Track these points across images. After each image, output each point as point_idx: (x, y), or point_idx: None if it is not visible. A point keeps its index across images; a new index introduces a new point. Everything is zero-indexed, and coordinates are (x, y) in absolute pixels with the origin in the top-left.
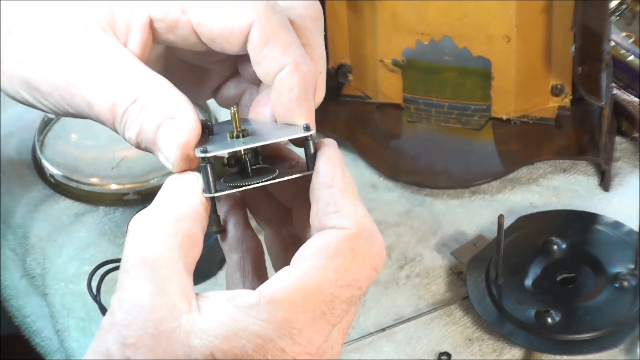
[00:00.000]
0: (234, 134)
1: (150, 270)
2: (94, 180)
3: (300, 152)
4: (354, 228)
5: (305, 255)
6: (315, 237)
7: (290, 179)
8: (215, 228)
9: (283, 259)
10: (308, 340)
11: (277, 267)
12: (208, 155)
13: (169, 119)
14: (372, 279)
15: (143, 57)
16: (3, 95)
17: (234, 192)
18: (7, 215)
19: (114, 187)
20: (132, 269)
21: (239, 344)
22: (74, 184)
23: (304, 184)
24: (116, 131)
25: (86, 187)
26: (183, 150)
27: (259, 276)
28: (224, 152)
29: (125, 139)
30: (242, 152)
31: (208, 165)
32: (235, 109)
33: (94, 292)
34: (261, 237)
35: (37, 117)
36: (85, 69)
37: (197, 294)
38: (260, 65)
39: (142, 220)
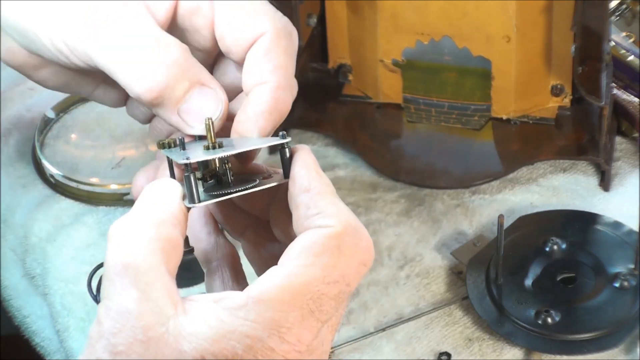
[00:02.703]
0: (209, 146)
1: (134, 276)
2: (94, 180)
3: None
4: (339, 225)
5: (291, 255)
6: (300, 237)
7: (270, 187)
8: (185, 247)
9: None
10: (297, 339)
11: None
12: (192, 161)
13: (201, 85)
14: (361, 275)
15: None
16: (3, 95)
17: (217, 201)
18: (7, 215)
19: (114, 187)
20: (116, 276)
21: (228, 346)
22: (74, 184)
23: (277, 194)
24: (116, 77)
25: (86, 187)
26: (223, 115)
27: (238, 282)
28: (206, 159)
29: (135, 91)
30: (218, 164)
31: (191, 174)
32: (210, 120)
33: (94, 292)
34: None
35: (37, 117)
36: (114, 33)
37: (183, 298)
38: (249, 74)
39: (123, 225)
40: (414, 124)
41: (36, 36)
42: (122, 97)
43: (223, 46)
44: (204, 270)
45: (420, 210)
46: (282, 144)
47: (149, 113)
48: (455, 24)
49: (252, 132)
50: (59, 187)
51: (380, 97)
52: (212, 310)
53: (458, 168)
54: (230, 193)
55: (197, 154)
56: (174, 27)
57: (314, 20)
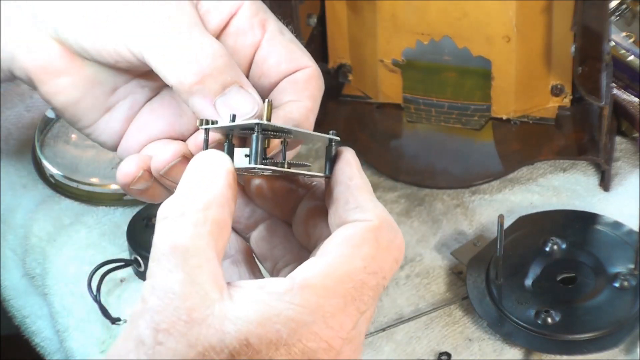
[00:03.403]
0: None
1: (181, 259)
2: (94, 180)
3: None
4: (377, 220)
5: (331, 246)
6: (339, 230)
7: (318, 176)
8: None
9: (282, 264)
10: (340, 325)
11: (275, 272)
12: (264, 122)
13: (239, 85)
14: (394, 270)
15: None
16: (3, 95)
17: (272, 170)
18: (8, 215)
19: (114, 187)
20: (163, 257)
21: (273, 329)
22: (74, 184)
23: (308, 192)
24: (157, 62)
25: (86, 187)
26: (259, 114)
27: (255, 275)
28: (281, 126)
29: (166, 76)
30: (271, 144)
31: (261, 134)
32: (269, 101)
33: (94, 292)
34: None
35: (37, 117)
36: (168, 32)
37: (228, 283)
38: (284, 93)
39: (171, 207)
40: (414, 124)
41: (89, 33)
42: (119, 136)
43: (260, 68)
44: None
45: (420, 210)
46: (332, 140)
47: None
48: (455, 24)
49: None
50: (59, 187)
51: (380, 97)
52: (257, 295)
53: (458, 168)
54: (290, 167)
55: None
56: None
57: (314, 20)
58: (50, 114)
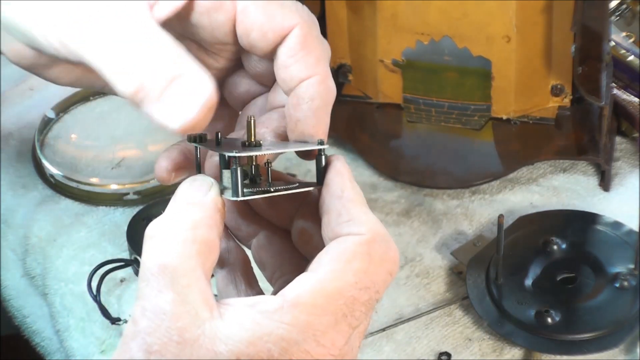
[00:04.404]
0: (248, 144)
1: (171, 279)
2: (94, 180)
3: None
4: (369, 233)
5: (323, 261)
6: (332, 244)
7: (305, 191)
8: None
9: (279, 273)
10: (332, 342)
11: (273, 281)
12: (240, 154)
13: (180, 76)
14: (388, 283)
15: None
16: (3, 95)
17: (259, 198)
18: (8, 215)
19: (114, 187)
20: (152, 277)
21: (264, 348)
22: (74, 184)
23: (304, 201)
24: (102, 74)
25: (86, 187)
26: (206, 107)
27: (251, 286)
28: (260, 153)
29: (114, 87)
30: (258, 162)
31: (239, 167)
32: (253, 118)
33: (94, 292)
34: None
35: (37, 117)
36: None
37: (218, 302)
38: (289, 68)
39: (160, 226)
40: (414, 124)
41: (33, 34)
42: None
43: (246, 42)
44: (215, 276)
45: (420, 210)
46: (319, 150)
47: None
48: (455, 24)
49: (314, 130)
50: (59, 187)
51: (380, 97)
52: (248, 314)
53: (458, 168)
54: (274, 191)
55: (239, 150)
56: (186, 24)
57: None
58: (50, 114)
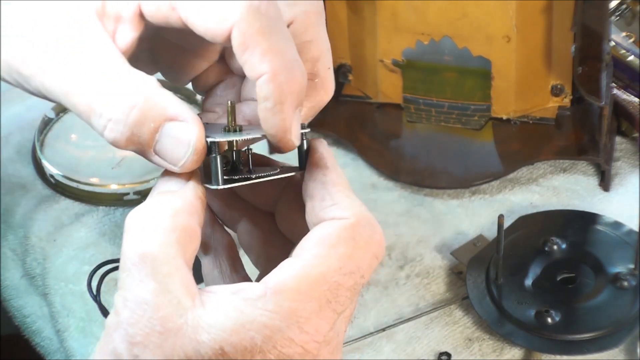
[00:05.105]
0: (228, 129)
1: (151, 268)
2: (94, 180)
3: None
4: (353, 217)
5: (307, 246)
6: (316, 228)
7: (285, 177)
8: None
9: (264, 256)
10: (315, 329)
11: (259, 265)
12: (217, 140)
13: (169, 121)
14: (373, 267)
15: (131, 48)
16: (3, 95)
17: (241, 185)
18: (7, 215)
19: (114, 187)
20: (133, 266)
21: (247, 336)
22: (74, 184)
23: (287, 185)
24: (91, 126)
25: (86, 187)
26: (197, 150)
27: (237, 271)
28: (232, 139)
29: (104, 137)
30: (238, 147)
31: (218, 156)
32: (232, 103)
33: (94, 292)
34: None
35: (37, 117)
36: (68, 60)
37: (200, 289)
38: (244, 68)
39: (139, 215)
40: (414, 124)
41: None
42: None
43: (200, 35)
44: (201, 260)
45: (420, 210)
46: (303, 134)
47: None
48: (455, 24)
49: (278, 129)
50: (59, 187)
51: (380, 97)
52: (230, 302)
53: (458, 168)
54: (255, 178)
55: (220, 135)
56: (158, 39)
57: None
58: (50, 114)
